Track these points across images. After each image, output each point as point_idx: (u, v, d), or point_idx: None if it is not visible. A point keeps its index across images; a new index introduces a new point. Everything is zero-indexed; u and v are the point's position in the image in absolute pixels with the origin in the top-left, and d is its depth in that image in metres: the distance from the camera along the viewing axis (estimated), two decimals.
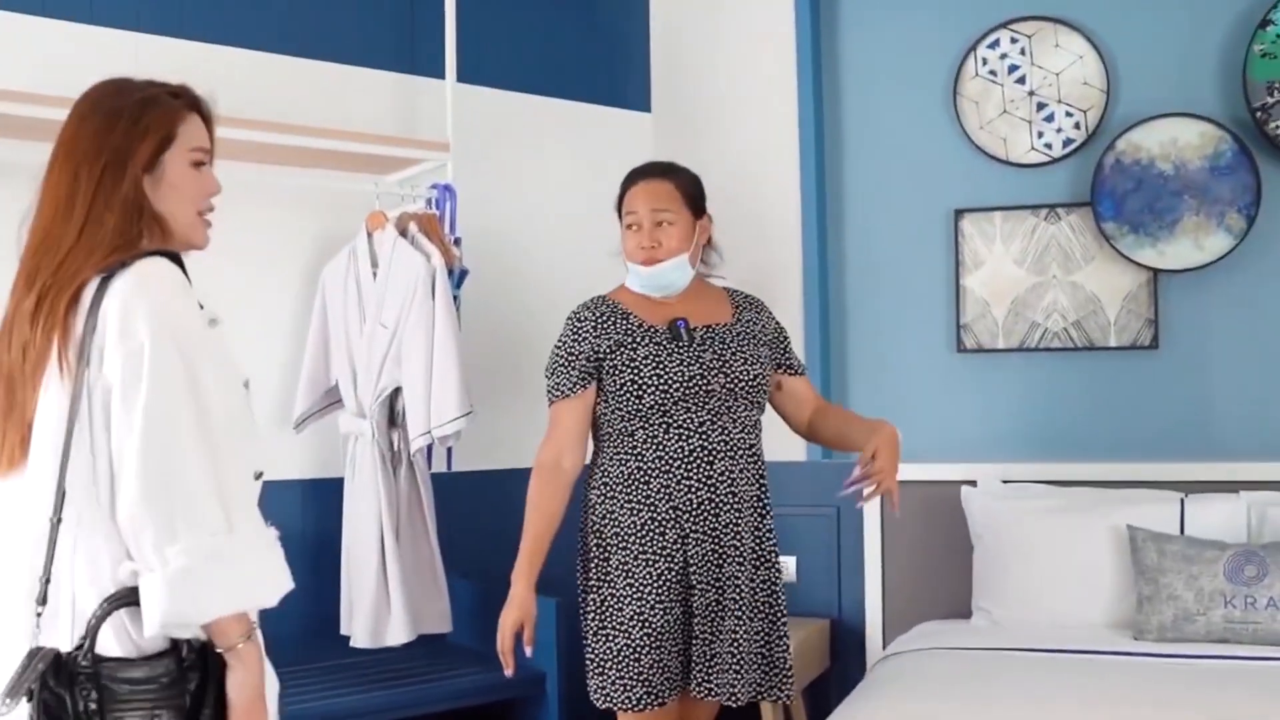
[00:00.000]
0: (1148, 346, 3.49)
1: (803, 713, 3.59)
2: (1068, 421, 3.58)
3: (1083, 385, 3.57)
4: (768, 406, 2.70)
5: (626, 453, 2.54)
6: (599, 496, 2.57)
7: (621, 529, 2.52)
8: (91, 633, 1.59)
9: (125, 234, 1.68)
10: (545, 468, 2.56)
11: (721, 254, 2.75)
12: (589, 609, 2.56)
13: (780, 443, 3.85)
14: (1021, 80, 3.64)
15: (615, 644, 2.49)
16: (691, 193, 2.63)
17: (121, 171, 1.70)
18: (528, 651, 2.52)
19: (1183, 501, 3.19)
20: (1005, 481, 3.46)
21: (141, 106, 1.75)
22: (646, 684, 2.47)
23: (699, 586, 2.50)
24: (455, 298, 3.22)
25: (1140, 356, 3.51)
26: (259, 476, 1.76)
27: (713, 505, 2.51)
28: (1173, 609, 2.95)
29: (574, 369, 2.55)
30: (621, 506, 2.53)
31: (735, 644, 2.50)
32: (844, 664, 3.70)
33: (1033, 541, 3.25)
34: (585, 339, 2.56)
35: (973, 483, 3.49)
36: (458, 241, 3.30)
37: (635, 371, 2.51)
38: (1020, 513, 3.32)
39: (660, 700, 2.47)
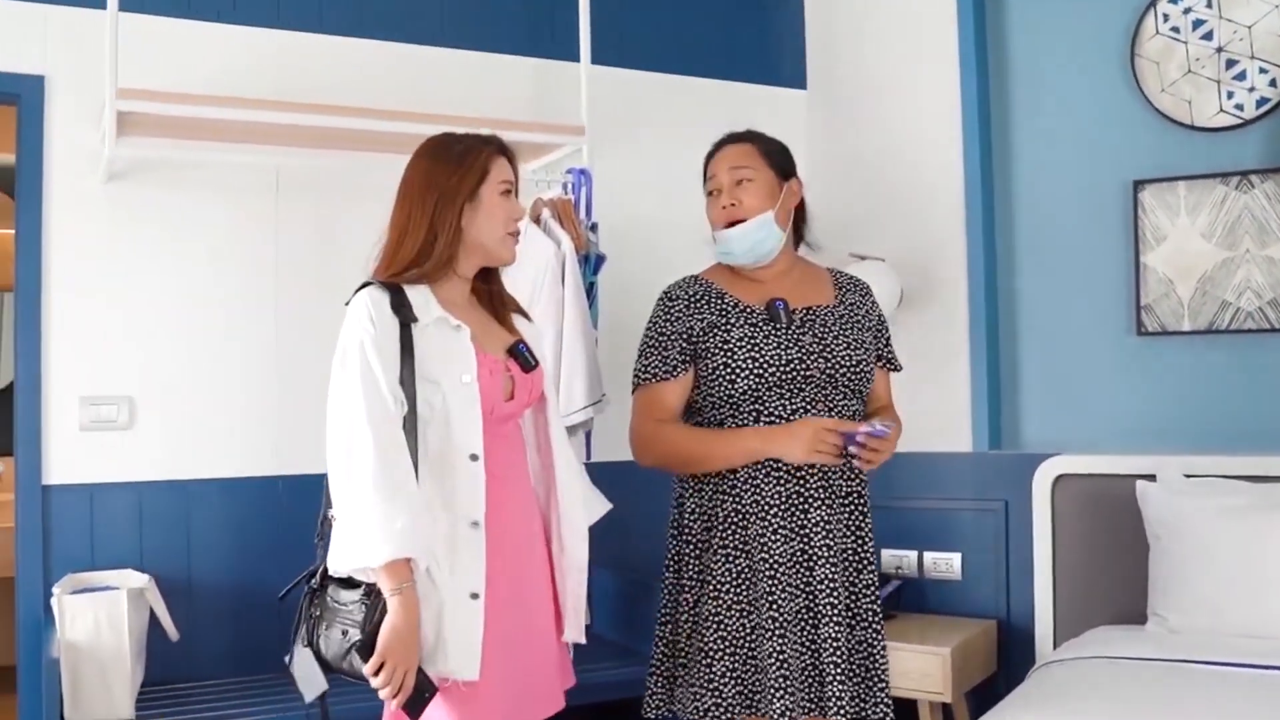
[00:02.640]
0: None
1: (966, 716, 3.39)
2: (1262, 410, 3.24)
3: None
4: None
5: None
6: (689, 490, 2.43)
7: (714, 523, 2.37)
8: (324, 560, 2.08)
9: (444, 255, 2.11)
10: (664, 423, 2.41)
11: (811, 225, 2.56)
12: (680, 610, 2.41)
13: (943, 434, 3.68)
14: (1208, 36, 3.32)
15: (702, 645, 2.33)
16: (774, 154, 2.47)
17: (449, 204, 2.11)
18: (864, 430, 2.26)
19: None
20: (1188, 476, 3.16)
21: (464, 152, 2.15)
22: (716, 694, 2.30)
23: (786, 590, 2.31)
24: (591, 284, 3.17)
25: None
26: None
27: (801, 500, 2.33)
28: None
29: (669, 350, 2.40)
30: (710, 499, 2.39)
31: (838, 653, 2.30)
32: (1011, 668, 3.48)
33: (1218, 542, 2.95)
34: (679, 319, 2.41)
35: (1151, 477, 3.20)
36: (594, 227, 3.24)
37: (729, 355, 2.35)
38: (1204, 510, 3.02)
39: (729, 715, 2.29)
